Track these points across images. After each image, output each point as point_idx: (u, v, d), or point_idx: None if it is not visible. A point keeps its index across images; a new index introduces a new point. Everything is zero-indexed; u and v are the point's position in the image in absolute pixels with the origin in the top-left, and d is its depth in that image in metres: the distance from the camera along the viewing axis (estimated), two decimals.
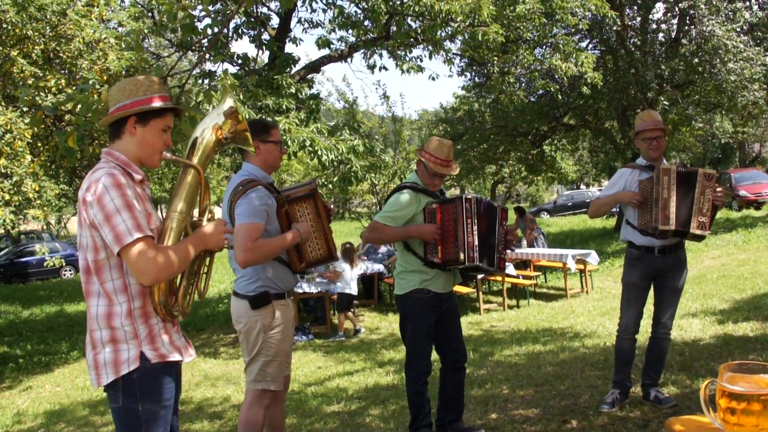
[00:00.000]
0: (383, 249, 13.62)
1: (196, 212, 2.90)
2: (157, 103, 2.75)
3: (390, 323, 11.62)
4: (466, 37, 10.84)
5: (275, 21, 12.19)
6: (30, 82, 10.12)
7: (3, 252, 26.59)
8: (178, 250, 2.65)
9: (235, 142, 3.15)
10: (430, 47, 11.40)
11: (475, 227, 4.42)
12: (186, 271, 2.79)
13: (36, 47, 11.08)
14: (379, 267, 13.28)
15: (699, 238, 4.85)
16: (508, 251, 4.86)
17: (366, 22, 11.33)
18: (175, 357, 2.74)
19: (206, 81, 10.91)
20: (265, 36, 11.65)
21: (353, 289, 11.26)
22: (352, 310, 11.69)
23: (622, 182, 5.08)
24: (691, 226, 4.67)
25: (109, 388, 2.66)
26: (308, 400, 6.78)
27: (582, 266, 12.70)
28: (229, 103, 3.10)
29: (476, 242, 4.41)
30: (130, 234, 2.50)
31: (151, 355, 2.65)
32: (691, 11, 16.86)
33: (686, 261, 5.11)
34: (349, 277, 11.21)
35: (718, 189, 4.75)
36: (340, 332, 10.85)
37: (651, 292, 5.09)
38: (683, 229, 4.70)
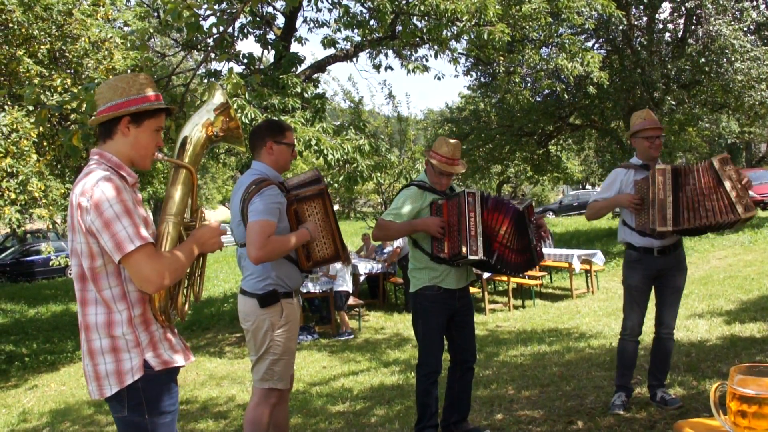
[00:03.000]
0: (388, 249, 13.59)
1: (187, 213, 2.82)
2: (153, 102, 2.65)
3: (395, 323, 11.60)
4: (472, 37, 10.81)
5: (281, 20, 12.20)
6: (36, 81, 10.13)
7: (9, 251, 26.62)
8: (179, 255, 2.58)
9: (227, 141, 3.07)
10: (436, 47, 11.37)
11: (479, 221, 4.40)
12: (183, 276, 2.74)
13: (42, 47, 11.09)
14: (380, 266, 13.25)
15: (745, 222, 4.67)
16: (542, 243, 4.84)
17: (371, 22, 11.31)
18: (178, 362, 2.69)
19: (212, 80, 10.90)
20: (271, 35, 11.65)
21: (348, 285, 11.26)
22: (357, 310, 11.68)
23: (617, 183, 5.03)
24: (738, 212, 4.49)
25: (112, 399, 2.58)
26: (313, 400, 6.77)
27: (587, 266, 12.67)
28: (219, 98, 3.00)
29: (479, 236, 4.38)
30: (132, 242, 2.42)
31: (154, 362, 2.58)
32: (698, 11, 16.80)
33: (686, 260, 5.08)
34: (344, 275, 11.22)
35: (744, 175, 4.62)
36: (347, 330, 10.83)
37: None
38: (696, 225, 4.62)
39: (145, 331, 2.59)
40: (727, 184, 4.53)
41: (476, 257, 4.37)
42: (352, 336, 10.66)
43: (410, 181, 4.96)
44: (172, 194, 2.73)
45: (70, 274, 24.86)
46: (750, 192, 4.52)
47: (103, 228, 2.43)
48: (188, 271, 2.79)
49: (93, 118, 2.70)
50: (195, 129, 2.90)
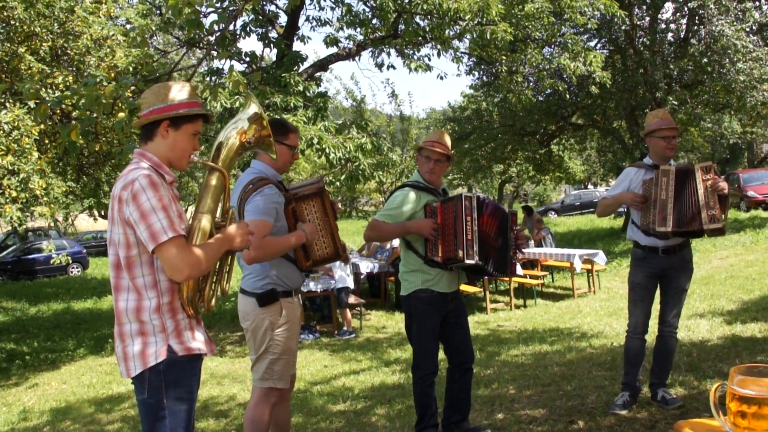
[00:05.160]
0: (389, 248, 13.57)
1: (218, 213, 2.99)
2: (191, 108, 2.86)
3: (396, 322, 11.59)
4: (475, 36, 10.80)
5: (283, 19, 12.19)
6: (37, 78, 10.12)
7: (10, 249, 26.65)
8: (207, 249, 2.75)
9: (258, 147, 3.24)
10: (439, 46, 11.36)
11: (475, 225, 4.38)
12: (211, 269, 2.89)
13: (44, 44, 11.09)
14: (378, 265, 13.21)
15: (718, 232, 4.69)
16: (518, 254, 4.86)
17: (374, 21, 11.30)
18: (200, 350, 2.86)
19: (214, 78, 10.90)
20: (273, 34, 11.64)
21: (349, 281, 11.21)
22: (358, 308, 11.67)
23: (626, 182, 5.06)
24: (704, 222, 4.58)
25: (136, 380, 2.76)
26: (314, 399, 6.76)
27: (589, 266, 12.65)
28: (253, 108, 3.16)
29: (476, 240, 4.37)
30: (165, 233, 2.61)
31: (177, 348, 2.76)
32: (701, 11, 16.78)
33: (692, 260, 5.09)
34: (344, 272, 11.17)
35: (719, 181, 4.62)
36: (349, 329, 10.80)
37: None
38: (686, 229, 4.65)
39: (172, 319, 2.78)
40: (701, 194, 4.58)
41: (472, 261, 4.34)
42: (353, 335, 10.65)
43: (404, 182, 4.93)
44: (204, 194, 2.91)
45: (72, 272, 25.00)
46: (751, 191, 4.53)
47: (140, 219, 2.64)
48: (217, 266, 2.98)
49: (136, 120, 2.94)
50: (230, 136, 3.08)
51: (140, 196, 2.63)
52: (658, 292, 5.06)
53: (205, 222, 2.85)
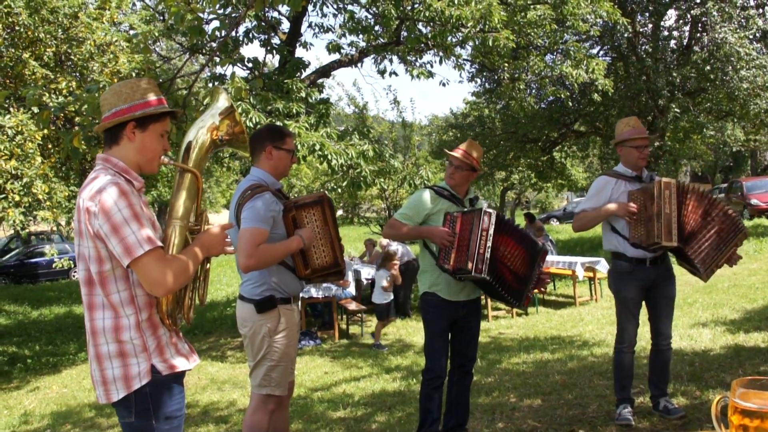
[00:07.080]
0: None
1: (192, 217, 2.82)
2: (157, 107, 2.66)
3: (397, 329, 11.57)
4: (477, 43, 10.81)
5: (286, 25, 12.20)
6: (40, 83, 10.15)
7: (13, 253, 26.66)
8: (187, 258, 2.59)
9: (231, 145, 3.06)
10: (441, 53, 11.37)
11: (490, 242, 4.34)
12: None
13: (48, 49, 11.13)
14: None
15: (692, 271, 4.85)
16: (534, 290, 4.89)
17: (377, 27, 11.31)
18: (184, 366, 2.69)
19: (216, 84, 10.91)
20: (276, 40, 11.65)
21: (386, 296, 10.86)
22: (359, 315, 11.65)
23: (607, 192, 4.90)
24: (707, 269, 4.69)
25: (119, 404, 2.58)
26: (314, 406, 6.75)
27: (591, 274, 12.62)
28: (224, 102, 3.01)
29: (487, 256, 4.33)
30: (141, 246, 2.43)
31: (161, 367, 2.59)
32: (704, 18, 16.80)
33: (672, 268, 5.06)
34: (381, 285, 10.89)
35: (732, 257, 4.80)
36: (377, 341, 10.47)
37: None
38: (686, 250, 4.65)
39: (153, 336, 2.59)
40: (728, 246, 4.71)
41: (480, 275, 4.32)
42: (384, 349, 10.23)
43: (430, 185, 5.04)
44: (177, 198, 2.74)
45: (74, 276, 24.99)
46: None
47: (111, 232, 2.43)
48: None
49: (98, 124, 2.69)
50: (200, 133, 2.90)
51: (110, 207, 2.43)
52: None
53: (180, 229, 2.69)
